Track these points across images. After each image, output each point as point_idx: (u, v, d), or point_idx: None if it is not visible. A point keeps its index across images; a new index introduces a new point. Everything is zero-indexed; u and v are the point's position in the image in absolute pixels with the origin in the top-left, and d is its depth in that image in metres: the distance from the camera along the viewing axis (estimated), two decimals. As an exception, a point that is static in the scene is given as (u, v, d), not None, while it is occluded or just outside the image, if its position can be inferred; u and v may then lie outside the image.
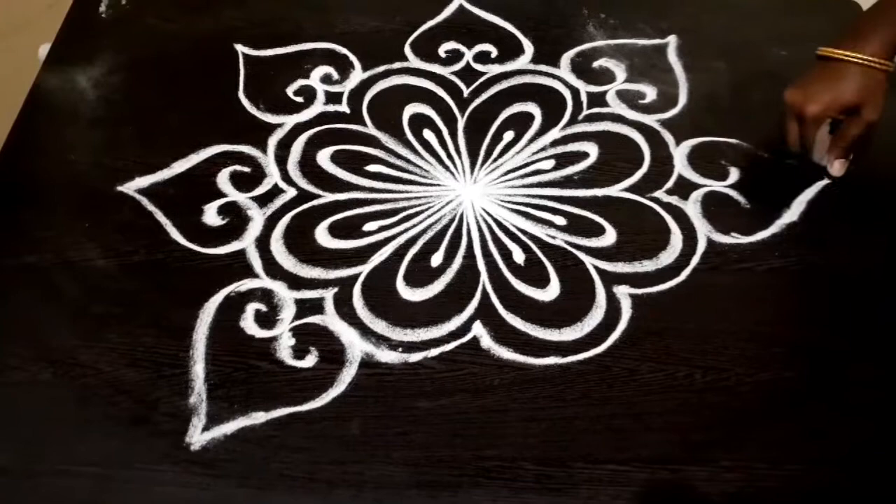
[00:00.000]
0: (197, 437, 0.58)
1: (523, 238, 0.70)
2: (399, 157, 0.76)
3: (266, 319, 0.64)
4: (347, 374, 0.61)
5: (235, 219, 0.70)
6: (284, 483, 0.56)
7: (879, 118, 0.68)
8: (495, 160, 0.76)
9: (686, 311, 0.65)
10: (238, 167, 0.74)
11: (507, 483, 0.56)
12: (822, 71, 0.69)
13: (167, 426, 0.58)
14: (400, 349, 0.62)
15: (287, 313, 0.64)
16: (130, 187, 0.73)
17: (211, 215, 0.71)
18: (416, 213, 0.71)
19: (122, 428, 0.58)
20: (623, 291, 0.66)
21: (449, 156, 0.76)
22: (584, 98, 0.81)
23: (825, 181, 0.74)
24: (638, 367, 0.62)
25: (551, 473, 0.56)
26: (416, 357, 0.62)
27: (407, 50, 0.86)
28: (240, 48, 0.85)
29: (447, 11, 0.90)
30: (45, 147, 0.76)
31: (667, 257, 0.68)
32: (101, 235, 0.69)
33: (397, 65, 0.84)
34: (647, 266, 0.68)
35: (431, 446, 0.57)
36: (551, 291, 0.66)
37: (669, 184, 0.74)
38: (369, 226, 0.70)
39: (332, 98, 0.81)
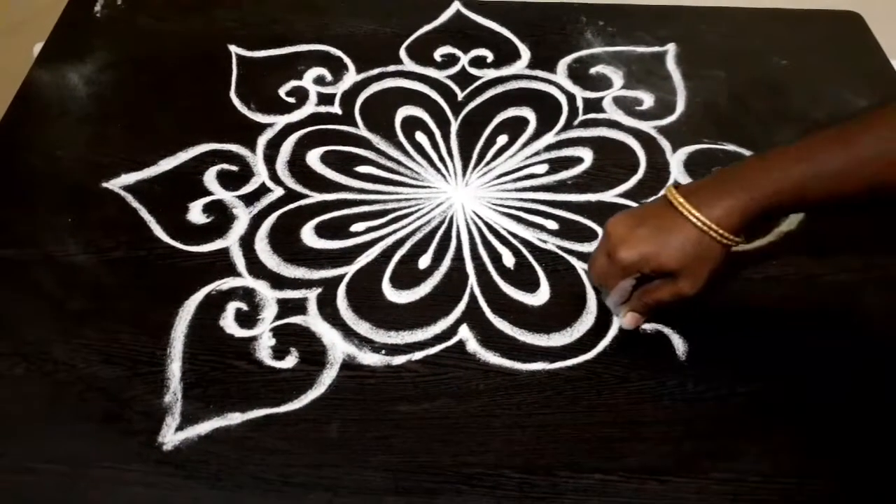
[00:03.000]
0: (170, 436, 0.56)
1: (514, 242, 0.68)
2: (390, 158, 0.75)
3: (247, 319, 0.62)
4: (328, 376, 0.59)
5: (220, 217, 0.69)
6: (258, 486, 0.54)
7: (695, 295, 0.56)
8: (488, 163, 0.75)
9: (679, 319, 0.63)
10: (225, 166, 0.73)
11: (489, 491, 0.54)
12: (657, 212, 0.57)
13: (140, 425, 0.56)
14: (383, 351, 0.61)
15: (268, 313, 0.63)
16: (116, 184, 0.72)
17: (196, 213, 0.69)
18: (406, 215, 0.70)
19: (93, 426, 0.56)
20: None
21: (441, 158, 0.75)
22: (580, 104, 0.80)
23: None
24: (628, 375, 0.60)
25: (535, 482, 0.54)
26: (399, 360, 0.60)
27: (402, 53, 0.85)
28: (233, 49, 0.85)
29: (444, 16, 0.90)
30: (32, 142, 0.75)
31: (660, 264, 0.67)
32: (83, 231, 0.68)
33: (392, 68, 0.84)
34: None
35: (411, 452, 0.55)
36: (541, 296, 0.64)
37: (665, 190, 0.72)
38: (357, 226, 0.69)
39: (325, 99, 0.80)
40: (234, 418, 0.57)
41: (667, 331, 0.62)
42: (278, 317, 0.62)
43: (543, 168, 0.74)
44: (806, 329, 0.63)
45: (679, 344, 0.61)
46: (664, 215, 0.57)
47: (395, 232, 0.69)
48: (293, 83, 0.81)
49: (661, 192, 0.58)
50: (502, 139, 0.77)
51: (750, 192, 0.54)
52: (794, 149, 0.55)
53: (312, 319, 0.62)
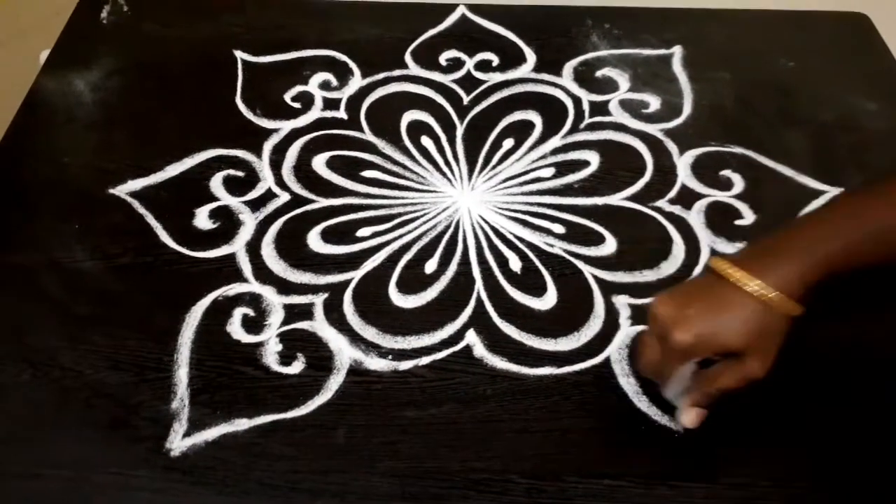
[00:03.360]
0: (177, 442, 0.56)
1: (520, 246, 0.68)
2: (396, 163, 0.75)
3: (253, 324, 0.62)
4: (334, 382, 0.59)
5: (227, 223, 0.69)
6: (265, 492, 0.53)
7: (765, 376, 0.51)
8: (494, 167, 0.74)
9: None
10: (232, 171, 0.73)
11: (496, 497, 0.53)
12: (706, 287, 0.52)
13: (147, 431, 0.56)
14: (390, 357, 0.60)
15: (275, 318, 0.62)
16: (122, 190, 0.72)
17: (202, 219, 0.69)
18: (412, 220, 0.70)
19: (100, 432, 0.56)
20: (622, 301, 0.64)
21: (447, 162, 0.75)
22: (586, 107, 0.80)
23: (832, 192, 0.72)
24: (636, 379, 0.59)
25: (543, 487, 0.54)
26: (406, 365, 0.60)
27: (407, 58, 0.85)
28: (239, 54, 0.85)
29: (449, 20, 0.90)
30: (39, 149, 0.76)
31: (668, 267, 0.66)
32: (89, 237, 0.68)
33: (397, 72, 0.83)
34: (648, 276, 0.66)
35: (418, 457, 0.55)
36: (548, 300, 0.64)
37: (672, 193, 0.72)
38: (363, 231, 0.69)
39: (330, 104, 0.80)
40: (242, 424, 0.57)
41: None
42: (285, 322, 0.62)
43: (550, 172, 0.74)
44: (818, 332, 0.62)
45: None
46: (715, 290, 0.51)
47: (401, 237, 0.68)
48: (299, 88, 0.81)
49: (704, 266, 0.53)
50: (508, 143, 0.77)
51: (807, 254, 0.50)
52: (839, 210, 0.53)
53: (319, 325, 0.62)
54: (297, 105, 0.80)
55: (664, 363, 0.53)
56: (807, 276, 0.50)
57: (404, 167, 0.74)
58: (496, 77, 0.83)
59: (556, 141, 0.77)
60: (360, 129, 0.78)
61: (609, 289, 0.65)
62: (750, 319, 0.50)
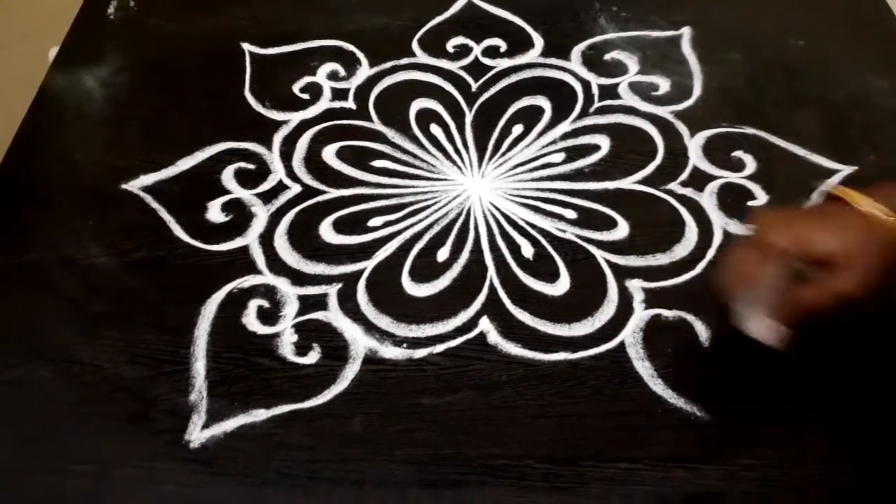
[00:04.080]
0: (196, 434, 0.56)
1: (532, 232, 0.68)
2: (405, 152, 0.75)
3: (268, 316, 0.63)
4: (350, 371, 0.59)
5: (239, 215, 0.69)
6: (284, 482, 0.54)
7: (855, 293, 0.47)
8: (504, 154, 0.74)
9: (701, 305, 0.62)
10: (243, 164, 0.73)
11: (514, 482, 0.54)
12: (818, 207, 0.52)
13: (166, 424, 0.57)
14: (405, 345, 0.61)
15: (290, 309, 0.63)
16: (135, 185, 0.72)
17: (214, 212, 0.70)
18: (423, 208, 0.70)
19: (121, 425, 0.57)
20: (636, 285, 0.64)
21: (456, 150, 0.75)
22: (595, 90, 0.80)
23: (845, 171, 0.71)
24: (651, 363, 0.59)
25: (560, 472, 0.54)
26: (420, 353, 0.60)
27: (414, 46, 0.85)
28: (246, 47, 0.85)
29: (455, 7, 0.89)
30: (51, 146, 0.76)
31: (682, 250, 0.66)
32: (103, 233, 0.68)
33: (405, 61, 0.83)
34: (661, 259, 0.66)
35: (436, 444, 0.56)
36: (561, 286, 0.64)
37: (684, 176, 0.72)
38: (374, 221, 0.69)
39: (339, 94, 0.80)
40: (259, 415, 0.57)
41: (689, 317, 0.62)
42: (300, 313, 0.63)
43: (560, 157, 0.74)
44: (833, 314, 0.62)
45: (702, 330, 0.61)
46: (825, 207, 0.50)
47: (412, 225, 0.68)
48: (307, 79, 0.81)
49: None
50: (518, 129, 0.76)
51: None
52: None
53: (334, 315, 0.62)
54: (305, 96, 0.80)
55: (753, 265, 0.49)
56: None
57: (414, 156, 0.74)
58: (504, 63, 0.83)
59: (565, 126, 0.77)
60: (369, 119, 0.78)
61: (622, 273, 0.65)
62: (852, 231, 0.47)
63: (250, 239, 0.68)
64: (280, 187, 0.72)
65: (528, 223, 0.69)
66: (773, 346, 0.50)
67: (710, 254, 0.66)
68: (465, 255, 0.66)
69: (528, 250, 0.67)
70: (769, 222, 0.50)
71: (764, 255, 0.49)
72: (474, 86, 0.81)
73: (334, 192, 0.71)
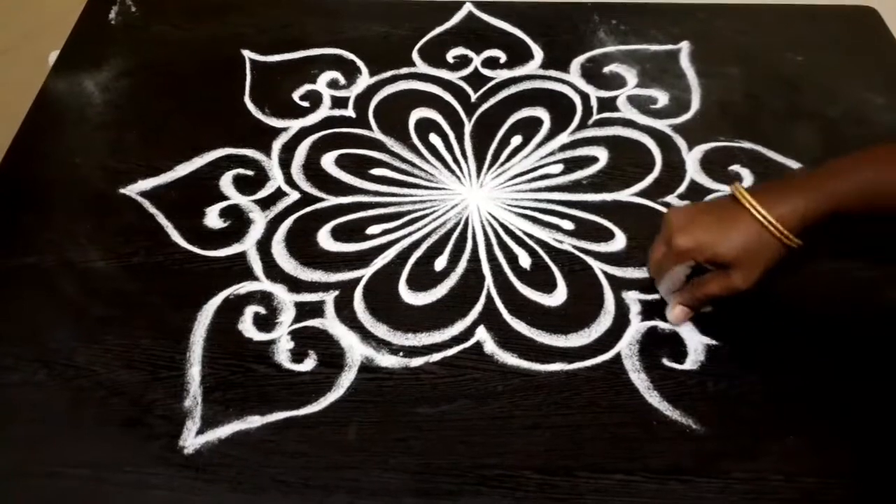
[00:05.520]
0: (191, 440, 0.56)
1: (530, 242, 0.68)
2: (404, 160, 0.75)
3: (265, 322, 0.62)
4: (346, 379, 0.59)
5: (237, 221, 0.70)
6: (278, 489, 0.54)
7: (749, 290, 0.56)
8: (502, 164, 0.75)
9: (698, 317, 0.62)
10: (241, 170, 0.74)
11: (508, 492, 0.54)
12: (720, 206, 0.58)
13: (161, 429, 0.57)
14: (401, 353, 0.61)
15: (286, 316, 0.63)
16: (133, 190, 0.72)
17: (212, 218, 0.70)
18: (421, 217, 0.70)
19: (115, 430, 0.56)
20: (632, 297, 0.64)
21: (455, 160, 0.75)
22: (594, 103, 0.80)
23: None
24: (647, 375, 0.59)
25: (556, 483, 0.54)
26: (417, 362, 0.60)
27: (415, 55, 0.85)
28: (247, 54, 0.85)
29: (456, 18, 0.90)
30: (50, 150, 0.76)
31: (678, 263, 0.66)
32: (101, 237, 0.68)
33: (405, 70, 0.84)
34: (658, 271, 0.66)
35: (431, 453, 0.55)
36: (558, 296, 0.64)
37: (682, 189, 0.72)
38: (372, 229, 0.69)
39: (339, 103, 0.80)
40: (254, 421, 0.57)
41: (686, 330, 0.62)
42: (296, 320, 0.63)
43: (558, 168, 0.74)
44: (829, 327, 0.62)
45: (698, 343, 0.61)
46: (726, 209, 0.57)
47: (410, 234, 0.69)
48: (307, 87, 0.82)
49: (727, 190, 0.59)
50: (516, 140, 0.77)
51: (814, 194, 0.55)
52: (860, 157, 0.56)
53: (330, 322, 0.62)
54: (305, 104, 0.80)
55: (664, 262, 0.59)
56: (810, 213, 0.55)
57: (413, 165, 0.75)
58: (503, 74, 0.83)
59: (564, 137, 0.77)
60: (369, 127, 0.78)
61: (619, 284, 0.65)
62: (746, 238, 0.56)
63: (248, 245, 0.68)
64: (278, 194, 0.72)
65: (525, 234, 0.69)
66: (677, 326, 0.62)
67: (707, 267, 0.66)
68: (462, 264, 0.66)
69: (525, 261, 0.67)
70: (677, 224, 0.58)
71: (673, 253, 0.58)
72: (474, 96, 0.81)
73: (333, 200, 0.71)
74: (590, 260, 0.67)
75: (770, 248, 0.56)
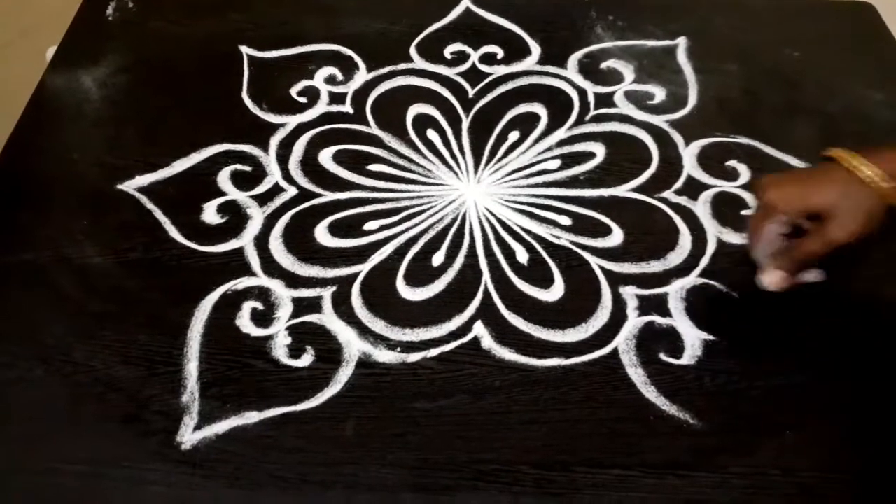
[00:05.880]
0: (188, 436, 0.56)
1: (527, 238, 0.68)
2: (402, 156, 0.75)
3: (262, 318, 0.62)
4: (344, 374, 0.59)
5: (234, 217, 0.69)
6: (276, 484, 0.54)
7: (848, 242, 0.54)
8: (500, 160, 0.75)
9: (695, 312, 0.62)
10: (239, 166, 0.74)
11: (506, 487, 0.54)
12: (813, 169, 0.58)
13: (158, 425, 0.57)
14: (398, 349, 0.61)
15: (284, 312, 0.63)
16: (130, 186, 0.72)
17: (210, 214, 0.70)
18: (418, 213, 0.70)
19: (113, 426, 0.56)
20: (630, 292, 0.64)
21: (453, 155, 0.75)
22: (591, 98, 0.80)
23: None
24: (644, 370, 0.59)
25: (553, 478, 0.54)
26: (414, 357, 0.60)
27: (412, 51, 0.85)
28: (244, 50, 0.85)
29: (453, 14, 0.90)
30: (47, 146, 0.76)
31: (675, 258, 0.66)
32: (99, 233, 0.68)
33: (402, 66, 0.84)
34: (655, 266, 0.66)
35: (428, 449, 0.56)
36: (555, 292, 0.64)
37: (678, 184, 0.72)
38: (370, 225, 0.69)
39: (336, 98, 0.80)
40: (251, 417, 0.57)
41: (683, 325, 0.62)
42: (293, 315, 0.63)
43: (556, 164, 0.74)
44: (825, 322, 0.62)
45: (695, 338, 0.61)
46: (819, 168, 0.57)
47: (408, 230, 0.69)
48: (304, 83, 0.82)
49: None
50: (514, 135, 0.77)
51: None
52: None
53: (328, 318, 0.62)
54: (303, 100, 0.80)
55: (758, 222, 0.58)
56: None
57: (410, 160, 0.75)
58: (501, 70, 0.83)
59: (561, 133, 0.77)
60: (366, 123, 0.78)
61: (616, 280, 0.65)
62: (840, 188, 0.54)
63: (245, 241, 0.68)
64: (276, 190, 0.72)
65: (523, 229, 0.69)
66: (779, 291, 0.59)
67: (704, 262, 0.66)
68: (460, 259, 0.66)
69: (522, 256, 0.67)
70: (769, 183, 0.57)
71: (766, 214, 0.57)
72: (471, 92, 0.81)
73: (330, 196, 0.71)
74: (587, 255, 0.67)
75: (867, 198, 0.54)
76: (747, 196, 0.71)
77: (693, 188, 0.72)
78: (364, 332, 0.62)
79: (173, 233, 0.68)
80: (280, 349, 0.61)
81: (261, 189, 0.72)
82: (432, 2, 0.91)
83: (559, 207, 0.70)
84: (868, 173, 0.54)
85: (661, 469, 0.54)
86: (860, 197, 0.54)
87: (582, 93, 0.81)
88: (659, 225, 0.69)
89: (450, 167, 0.74)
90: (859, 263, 0.59)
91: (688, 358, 0.60)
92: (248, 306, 0.63)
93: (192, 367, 0.60)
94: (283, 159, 0.74)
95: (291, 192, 0.72)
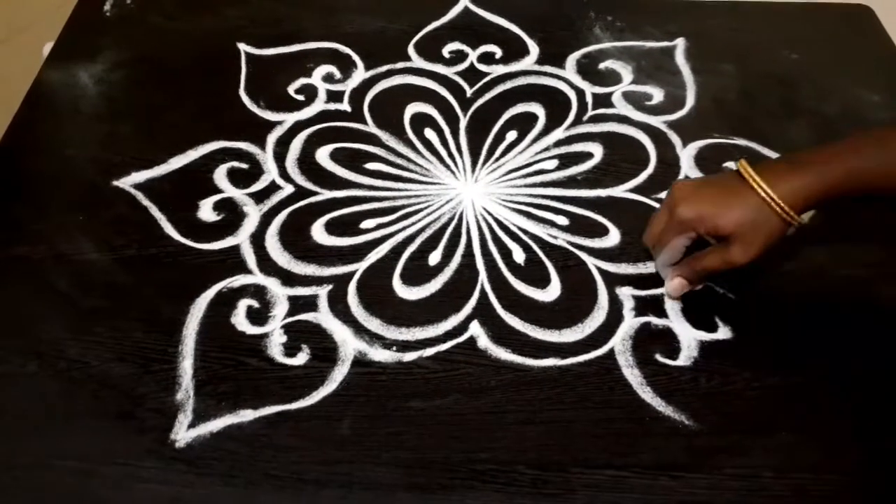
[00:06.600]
0: (182, 433, 0.56)
1: (524, 238, 0.68)
2: (399, 155, 0.75)
3: (258, 316, 0.62)
4: (339, 373, 0.59)
5: (230, 215, 0.69)
6: (271, 483, 0.54)
7: (746, 264, 0.57)
8: (497, 159, 0.75)
9: (691, 314, 0.62)
10: (235, 163, 0.73)
11: (501, 487, 0.54)
12: (725, 181, 0.58)
13: (152, 422, 0.56)
14: (394, 348, 0.61)
15: (279, 310, 0.63)
16: (126, 182, 0.72)
17: (206, 211, 0.70)
18: (415, 212, 0.70)
19: (107, 423, 0.56)
20: (626, 293, 0.64)
21: (450, 155, 0.75)
22: (589, 99, 0.80)
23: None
24: (640, 371, 0.59)
25: (548, 478, 0.54)
26: (410, 356, 0.60)
27: (410, 50, 0.85)
28: (242, 47, 0.85)
29: (452, 13, 0.90)
30: (43, 142, 0.76)
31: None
32: (94, 229, 0.68)
33: (400, 65, 0.83)
34: (652, 267, 0.66)
35: (423, 448, 0.55)
36: (552, 292, 0.64)
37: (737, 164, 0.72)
38: (366, 223, 0.69)
39: (334, 96, 0.80)
40: (247, 415, 0.57)
41: (679, 326, 0.62)
42: (289, 314, 0.62)
43: (553, 164, 0.74)
44: (820, 323, 0.62)
45: (691, 339, 0.61)
46: (731, 184, 0.57)
47: (404, 229, 0.68)
48: (302, 81, 0.81)
49: (733, 166, 0.59)
50: (511, 135, 0.77)
51: (819, 173, 0.55)
52: (871, 137, 0.57)
53: (323, 316, 0.62)
54: (300, 97, 0.80)
55: (665, 232, 0.60)
56: (813, 193, 0.55)
57: (408, 159, 0.74)
58: (499, 69, 0.83)
59: (559, 133, 0.77)
60: (364, 122, 0.78)
61: (613, 280, 0.65)
62: (747, 212, 0.56)
63: (241, 238, 0.68)
64: (273, 187, 0.72)
65: (520, 229, 0.69)
66: (673, 298, 0.62)
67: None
68: (456, 259, 0.66)
69: (519, 256, 0.67)
70: (681, 195, 0.58)
71: (674, 224, 0.59)
72: (469, 91, 0.81)
73: (327, 194, 0.71)
74: (584, 255, 0.67)
75: (770, 223, 0.56)
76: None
77: (690, 189, 0.72)
78: (360, 330, 0.62)
79: (169, 230, 0.68)
80: (275, 347, 0.60)
81: (257, 187, 0.72)
82: (431, 0, 0.91)
83: (556, 207, 0.70)
84: (763, 195, 0.55)
85: (657, 470, 0.54)
86: (763, 223, 0.56)
87: (580, 93, 0.81)
88: (656, 226, 0.69)
89: (447, 166, 0.74)
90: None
91: (684, 359, 0.60)
92: (243, 304, 0.63)
93: (186, 365, 0.59)
94: (280, 157, 0.74)
95: (288, 189, 0.71)
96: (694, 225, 0.58)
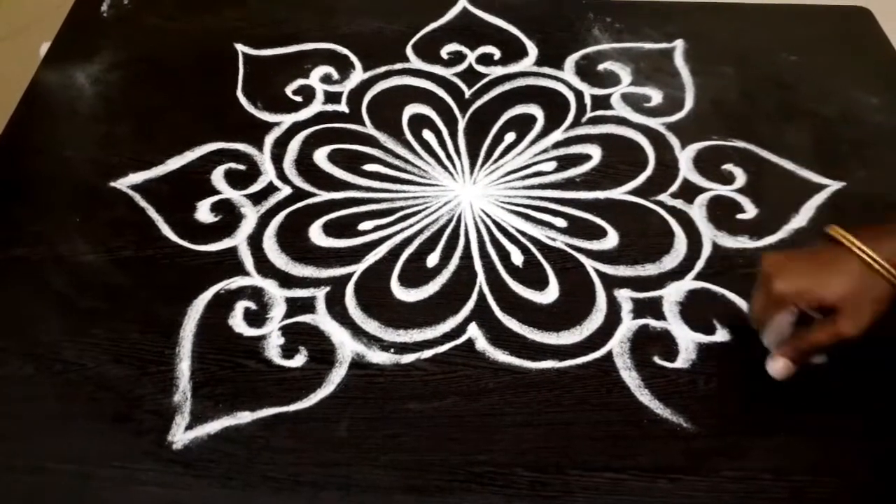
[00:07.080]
0: (180, 435, 0.56)
1: (522, 240, 0.68)
2: (397, 156, 0.75)
3: (255, 318, 0.62)
4: (337, 375, 0.59)
5: (228, 216, 0.69)
6: (268, 485, 0.54)
7: (858, 337, 0.52)
8: (496, 161, 0.74)
9: (689, 316, 0.62)
10: (233, 165, 0.73)
11: (499, 490, 0.54)
12: (819, 251, 0.55)
13: (150, 424, 0.56)
14: (392, 350, 0.60)
15: (277, 312, 0.62)
16: (123, 183, 0.72)
17: (203, 212, 0.69)
18: (413, 213, 0.70)
19: (104, 425, 0.56)
20: (624, 295, 0.64)
21: (448, 156, 0.75)
22: (587, 100, 0.80)
23: (834, 186, 0.72)
24: (638, 373, 0.59)
25: (546, 481, 0.54)
26: (408, 358, 0.60)
27: (409, 51, 0.85)
28: (240, 48, 0.85)
29: (451, 14, 0.90)
30: (40, 142, 0.75)
31: (670, 261, 0.66)
32: (91, 230, 0.68)
33: (398, 66, 0.83)
34: (650, 269, 0.66)
35: (421, 450, 0.55)
36: (550, 294, 0.64)
37: (674, 187, 0.72)
38: (364, 225, 0.69)
39: (332, 98, 0.80)
40: (244, 417, 0.57)
41: (678, 329, 0.62)
42: (287, 315, 0.62)
43: (551, 165, 0.74)
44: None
45: (690, 342, 0.61)
46: (824, 251, 0.54)
47: (402, 230, 0.68)
48: (300, 82, 0.81)
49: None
50: (510, 137, 0.77)
51: None
52: None
53: (321, 318, 0.62)
54: (298, 98, 0.80)
55: (766, 312, 0.56)
56: None
57: (406, 161, 0.74)
58: (498, 71, 0.83)
59: (557, 135, 0.77)
60: (362, 123, 0.78)
61: (611, 282, 0.65)
62: (850, 279, 0.52)
63: (239, 240, 0.67)
64: (270, 189, 0.71)
65: (518, 231, 0.69)
66: (782, 380, 0.57)
67: (699, 265, 0.66)
68: (454, 261, 0.66)
69: (517, 258, 0.67)
70: (775, 271, 0.55)
71: (772, 301, 0.55)
72: (467, 92, 0.81)
73: (325, 195, 0.71)
74: (582, 258, 0.67)
75: (878, 288, 0.52)
76: (743, 200, 0.71)
77: (689, 191, 0.72)
78: (358, 332, 0.61)
79: (166, 231, 0.68)
80: (273, 349, 0.60)
81: (255, 188, 0.71)
82: (429, 1, 0.91)
83: (554, 209, 0.70)
84: (867, 259, 0.52)
85: (655, 472, 0.54)
86: (869, 289, 0.52)
87: (578, 95, 0.81)
88: (654, 228, 0.69)
89: (445, 168, 0.74)
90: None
91: (682, 361, 0.60)
92: (241, 306, 0.63)
93: (184, 367, 0.59)
94: (277, 158, 0.74)
95: (286, 191, 0.71)
96: (793, 299, 0.54)
